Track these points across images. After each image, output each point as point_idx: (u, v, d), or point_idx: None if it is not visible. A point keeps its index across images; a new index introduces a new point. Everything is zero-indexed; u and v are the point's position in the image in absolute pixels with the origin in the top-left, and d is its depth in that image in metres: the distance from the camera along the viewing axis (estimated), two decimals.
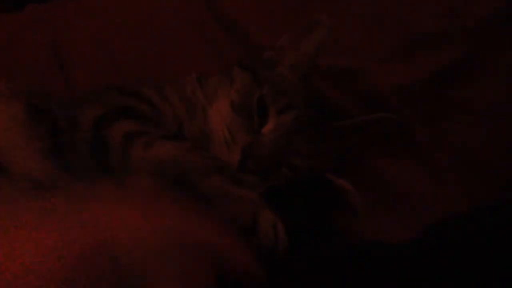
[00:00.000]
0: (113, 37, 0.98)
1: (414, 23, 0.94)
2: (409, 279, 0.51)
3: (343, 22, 0.90)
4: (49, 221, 0.51)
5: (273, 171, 0.68)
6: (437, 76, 0.88)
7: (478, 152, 0.81)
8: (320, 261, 0.57)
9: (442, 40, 0.91)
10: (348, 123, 0.76)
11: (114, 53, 0.96)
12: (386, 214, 0.76)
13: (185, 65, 0.93)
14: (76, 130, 0.58)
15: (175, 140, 0.58)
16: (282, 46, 0.77)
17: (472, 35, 0.91)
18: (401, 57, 0.91)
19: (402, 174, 0.80)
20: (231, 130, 0.69)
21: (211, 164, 0.57)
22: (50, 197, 0.54)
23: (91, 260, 0.43)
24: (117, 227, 0.46)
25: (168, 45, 0.97)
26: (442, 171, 0.80)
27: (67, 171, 0.58)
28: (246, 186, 0.58)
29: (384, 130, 0.75)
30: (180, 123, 0.70)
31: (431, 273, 0.50)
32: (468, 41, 0.90)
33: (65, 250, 0.43)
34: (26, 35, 0.99)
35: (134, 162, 0.55)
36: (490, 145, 0.81)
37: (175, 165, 0.54)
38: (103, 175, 0.57)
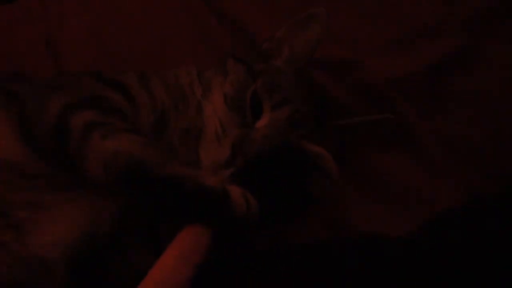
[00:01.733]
0: (108, 31, 0.96)
1: (412, 14, 0.93)
2: (408, 275, 0.51)
3: (340, 14, 0.89)
4: None
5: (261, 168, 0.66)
6: (434, 68, 0.87)
7: (477, 146, 0.80)
8: (317, 255, 0.56)
9: (440, 32, 0.90)
10: (347, 122, 0.75)
11: (108, 46, 0.95)
12: (384, 209, 0.76)
13: (181, 59, 0.92)
14: (42, 115, 0.58)
15: (134, 134, 0.58)
16: (280, 38, 0.76)
17: (470, 26, 0.90)
18: (398, 49, 0.90)
19: (400, 169, 0.80)
20: (224, 124, 0.68)
21: (170, 157, 0.57)
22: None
23: None
24: None
25: (165, 39, 0.96)
26: (441, 166, 0.79)
27: (43, 159, 0.58)
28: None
29: (384, 130, 0.75)
30: (162, 114, 0.68)
31: (429, 269, 0.50)
32: (466, 33, 0.89)
33: None
34: (19, 27, 0.97)
35: (90, 151, 0.55)
36: (489, 139, 0.80)
37: (128, 156, 0.54)
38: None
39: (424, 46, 0.89)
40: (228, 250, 0.56)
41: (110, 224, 0.59)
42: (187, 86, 0.74)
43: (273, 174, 0.59)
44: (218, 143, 0.67)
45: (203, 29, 0.97)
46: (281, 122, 0.67)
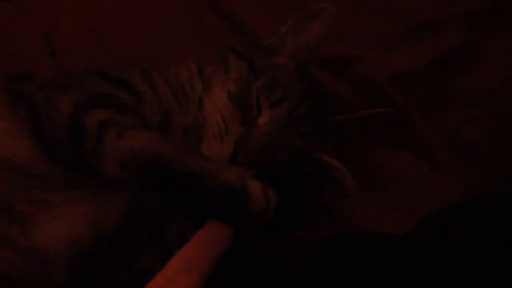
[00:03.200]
0: (106, 26, 0.96)
1: (413, 9, 0.92)
2: (404, 274, 0.51)
3: (340, 10, 0.87)
4: None
5: (262, 164, 0.66)
6: (435, 64, 0.87)
7: (477, 142, 0.81)
8: (316, 253, 0.56)
9: (441, 27, 0.90)
10: (348, 117, 0.75)
11: (106, 41, 0.95)
12: (385, 205, 0.76)
13: (181, 54, 0.92)
14: (54, 116, 0.58)
15: (148, 130, 0.58)
16: (284, 33, 0.76)
17: (471, 23, 0.90)
18: (400, 45, 0.90)
19: (401, 165, 0.80)
20: (226, 120, 0.68)
21: (187, 151, 0.57)
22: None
23: None
24: None
25: (163, 34, 0.96)
26: (441, 162, 0.79)
27: (50, 157, 0.58)
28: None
29: (385, 125, 0.74)
30: (167, 111, 0.68)
31: (426, 268, 0.50)
32: (467, 30, 0.89)
33: None
34: (17, 23, 0.96)
35: (107, 150, 0.55)
36: (489, 137, 0.81)
37: (145, 152, 0.54)
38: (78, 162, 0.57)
39: (425, 43, 0.89)
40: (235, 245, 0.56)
41: (115, 224, 0.59)
42: (187, 83, 0.74)
43: (288, 183, 0.58)
44: (220, 140, 0.67)
45: (203, 24, 0.97)
46: (281, 119, 0.67)
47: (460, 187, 0.76)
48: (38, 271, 0.53)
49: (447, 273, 0.49)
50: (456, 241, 0.52)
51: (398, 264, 0.52)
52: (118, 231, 0.59)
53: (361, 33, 0.91)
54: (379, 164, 0.80)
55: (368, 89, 0.84)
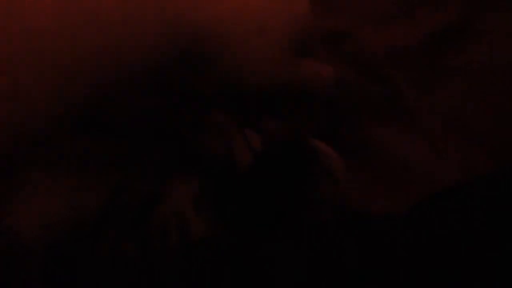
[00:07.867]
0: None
1: None
2: (396, 256, 0.49)
3: None
4: None
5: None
6: (433, 39, 0.86)
7: (475, 120, 0.79)
8: (311, 237, 0.55)
9: (437, 3, 0.89)
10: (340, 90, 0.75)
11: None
12: (381, 184, 0.75)
13: None
14: None
15: None
16: None
17: None
18: (396, 20, 0.88)
19: (397, 144, 0.79)
20: None
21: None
22: None
23: None
24: None
25: None
26: (438, 141, 0.78)
27: None
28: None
29: (380, 101, 0.76)
30: None
31: (418, 250, 0.48)
32: (465, 5, 0.88)
33: None
34: None
35: None
36: (488, 113, 0.79)
37: None
38: None
39: (423, 15, 0.87)
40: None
41: (97, 210, 0.56)
42: None
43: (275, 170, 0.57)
44: None
45: None
46: None
47: (459, 167, 0.75)
48: (11, 256, 0.51)
49: (444, 259, 0.48)
50: (453, 225, 0.51)
51: (395, 248, 0.51)
52: (100, 217, 0.57)
53: (357, 8, 0.90)
54: (375, 143, 0.79)
55: (362, 65, 0.83)
